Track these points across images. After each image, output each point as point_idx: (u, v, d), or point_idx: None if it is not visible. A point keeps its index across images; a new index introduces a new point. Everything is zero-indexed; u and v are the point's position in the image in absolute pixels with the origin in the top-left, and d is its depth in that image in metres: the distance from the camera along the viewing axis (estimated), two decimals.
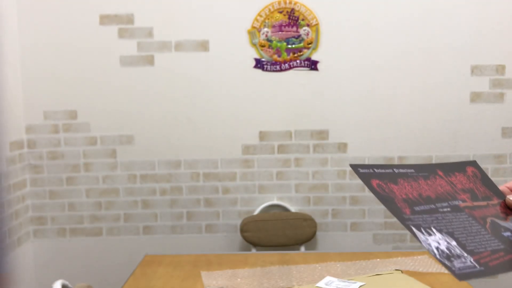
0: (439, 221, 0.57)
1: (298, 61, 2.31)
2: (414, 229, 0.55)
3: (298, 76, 2.31)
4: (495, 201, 0.64)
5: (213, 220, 2.40)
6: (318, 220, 2.37)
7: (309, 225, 2.30)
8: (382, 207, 2.32)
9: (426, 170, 0.62)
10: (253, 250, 2.32)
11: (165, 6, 2.29)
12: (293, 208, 2.38)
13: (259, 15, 2.29)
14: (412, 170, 0.61)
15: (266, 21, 2.29)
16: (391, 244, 2.38)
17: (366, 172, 0.59)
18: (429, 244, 0.54)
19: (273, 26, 2.29)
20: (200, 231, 2.40)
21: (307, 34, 2.29)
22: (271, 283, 1.41)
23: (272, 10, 2.28)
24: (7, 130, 2.16)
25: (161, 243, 2.40)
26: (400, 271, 1.44)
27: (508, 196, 0.65)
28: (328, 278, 1.38)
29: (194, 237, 2.40)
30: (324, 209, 2.38)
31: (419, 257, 1.64)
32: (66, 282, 1.45)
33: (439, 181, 0.62)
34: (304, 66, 2.31)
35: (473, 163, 0.68)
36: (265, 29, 2.29)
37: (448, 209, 0.59)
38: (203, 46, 2.30)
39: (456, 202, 0.60)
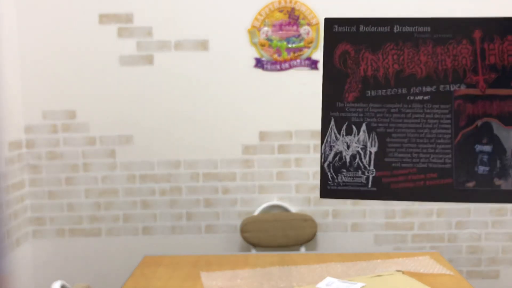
0: (385, 115, 0.46)
1: (298, 60, 2.30)
2: (332, 121, 0.48)
3: (298, 75, 2.30)
4: None
5: (213, 221, 2.39)
6: (318, 220, 2.36)
7: (310, 225, 2.29)
8: (383, 207, 2.31)
9: (454, 29, 0.47)
10: (253, 251, 2.31)
11: (164, 5, 2.28)
12: (293, 209, 2.37)
13: (259, 14, 2.28)
14: (428, 29, 0.47)
15: (266, 20, 2.28)
16: (392, 245, 2.37)
17: (341, 32, 0.47)
18: (332, 145, 0.46)
19: (273, 25, 2.28)
20: (200, 231, 2.39)
21: (308, 33, 2.28)
22: (271, 284, 1.40)
23: (272, 9, 2.28)
24: (6, 130, 2.15)
25: (161, 243, 2.39)
26: (401, 272, 1.43)
27: None
28: (328, 279, 1.38)
29: (193, 237, 2.39)
30: (324, 210, 2.38)
31: (420, 257, 1.63)
32: (65, 283, 1.44)
33: (461, 50, 0.47)
34: (304, 66, 2.30)
35: None
36: (265, 28, 2.28)
37: (426, 97, 0.46)
38: (203, 45, 2.29)
39: (451, 87, 0.47)
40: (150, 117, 2.33)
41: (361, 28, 0.48)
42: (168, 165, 2.35)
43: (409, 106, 0.47)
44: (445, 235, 2.29)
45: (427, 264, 1.56)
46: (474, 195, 0.46)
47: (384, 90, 0.47)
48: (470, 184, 0.46)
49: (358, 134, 0.46)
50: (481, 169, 0.46)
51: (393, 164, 0.47)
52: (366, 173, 0.47)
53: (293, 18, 2.28)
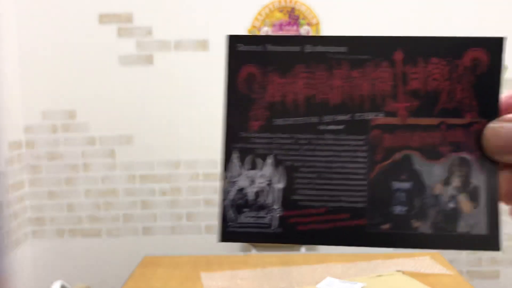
0: (293, 147, 0.41)
1: None
2: (235, 153, 0.41)
3: None
4: (467, 118, 0.40)
5: (213, 221, 2.39)
6: None
7: None
8: None
9: (372, 50, 0.41)
10: (253, 251, 2.31)
11: (164, 5, 2.27)
12: None
13: (259, 14, 2.27)
14: (344, 49, 0.41)
15: (266, 20, 2.28)
16: None
17: (246, 51, 0.42)
18: (234, 181, 0.41)
19: (274, 25, 2.28)
20: (200, 231, 2.38)
21: (308, 33, 2.28)
22: (271, 284, 1.40)
23: (272, 9, 2.27)
24: (6, 130, 2.15)
25: (161, 243, 2.38)
26: (401, 272, 1.43)
27: (505, 117, 0.37)
28: (329, 279, 1.37)
29: (193, 237, 2.39)
30: None
31: (420, 258, 1.63)
32: (65, 283, 1.44)
33: (379, 74, 0.41)
34: None
35: (486, 43, 0.40)
36: (265, 28, 2.28)
37: (340, 126, 0.41)
38: (203, 45, 2.29)
39: (368, 115, 0.41)
40: (150, 117, 2.32)
41: (269, 47, 0.42)
42: (168, 165, 2.35)
43: (321, 136, 0.41)
44: None
45: (427, 264, 1.56)
46: (389, 239, 0.40)
47: (293, 119, 0.41)
48: (385, 227, 0.40)
49: (263, 168, 0.41)
50: (398, 209, 0.40)
51: (302, 203, 0.41)
52: (271, 213, 0.41)
53: (293, 18, 2.27)
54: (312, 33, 2.28)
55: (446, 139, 0.40)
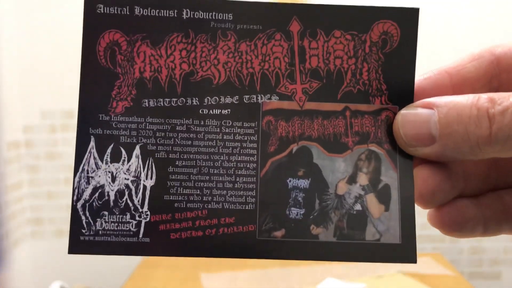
0: (167, 135, 0.33)
1: None
2: (92, 142, 0.33)
3: None
4: (376, 104, 0.34)
5: None
6: None
7: None
8: None
9: (263, 19, 0.33)
10: None
11: None
12: None
13: None
14: (229, 16, 0.34)
15: None
16: None
17: (107, 14, 0.33)
18: (90, 176, 0.33)
19: None
20: None
21: None
22: (271, 285, 1.39)
23: None
24: (4, 130, 2.14)
25: None
26: (402, 273, 1.42)
27: (416, 104, 0.31)
28: (329, 280, 1.37)
29: None
30: None
31: (421, 258, 1.62)
32: (64, 283, 1.43)
33: (272, 48, 0.34)
34: None
35: (397, 15, 0.34)
36: None
37: (225, 110, 0.33)
38: None
39: (259, 98, 0.34)
40: None
41: (137, 10, 0.33)
42: None
43: (202, 122, 0.33)
44: (446, 236, 2.28)
45: (428, 265, 1.55)
46: (282, 248, 0.33)
47: (167, 100, 0.33)
48: (278, 234, 0.33)
49: (129, 161, 0.33)
50: (294, 212, 0.33)
51: (176, 204, 0.33)
52: (138, 217, 0.33)
53: None
54: None
55: (351, 129, 0.34)
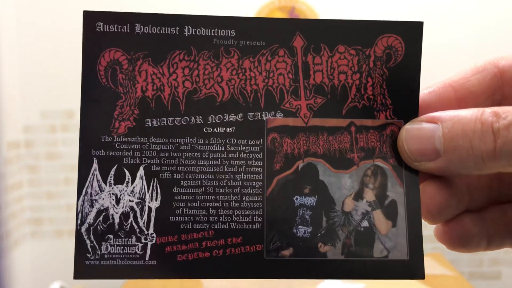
0: (172, 155, 0.33)
1: None
2: (95, 164, 0.32)
3: None
4: (381, 119, 0.33)
5: None
6: None
7: None
8: None
9: (267, 35, 0.33)
10: None
11: (163, 4, 2.27)
12: None
13: (259, 13, 2.26)
14: (232, 32, 0.33)
15: None
16: None
17: (107, 32, 0.33)
18: (93, 199, 0.32)
19: None
20: None
21: None
22: (271, 286, 1.39)
23: (272, 8, 2.26)
24: (4, 130, 2.14)
25: None
26: None
27: (425, 117, 0.31)
28: (329, 280, 1.36)
29: None
30: None
31: None
32: (64, 284, 1.43)
33: (276, 63, 0.33)
34: None
35: (401, 29, 0.34)
36: None
37: (229, 129, 0.33)
38: None
39: (264, 115, 0.33)
40: None
41: (138, 28, 0.34)
42: None
43: (206, 141, 0.33)
44: None
45: (428, 265, 1.55)
46: (291, 268, 0.32)
47: (171, 119, 0.33)
48: (286, 253, 0.32)
49: (133, 182, 0.33)
50: (302, 230, 0.33)
51: (182, 226, 0.32)
52: (143, 240, 0.32)
53: (294, 17, 2.26)
54: None
55: (356, 144, 0.33)
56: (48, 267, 2.38)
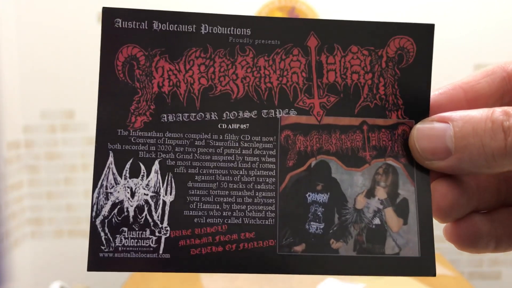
0: (186, 150, 0.33)
1: None
2: (111, 157, 0.32)
3: None
4: (392, 118, 0.34)
5: None
6: None
7: None
8: None
9: (281, 34, 0.34)
10: None
11: (162, 4, 2.26)
12: None
13: (259, 13, 2.26)
14: (248, 31, 0.34)
15: None
16: None
17: (125, 29, 0.33)
18: (109, 192, 0.33)
19: None
20: None
21: None
22: (271, 286, 1.39)
23: (272, 8, 2.26)
24: (4, 130, 2.14)
25: None
26: None
27: (431, 119, 0.32)
28: (329, 280, 1.36)
29: None
30: None
31: None
32: (64, 284, 1.43)
33: (290, 63, 0.34)
34: None
35: (413, 30, 0.34)
36: None
37: (244, 125, 0.33)
38: None
39: (277, 113, 0.34)
40: None
41: (155, 25, 0.34)
42: None
43: (221, 137, 0.33)
44: None
45: None
46: (303, 263, 0.32)
47: (186, 115, 0.33)
48: (298, 248, 0.33)
49: (148, 176, 0.33)
50: (314, 226, 0.33)
51: (196, 220, 0.33)
52: (157, 233, 0.33)
53: (294, 17, 2.26)
54: None
55: (368, 143, 0.34)
56: (48, 267, 2.38)
